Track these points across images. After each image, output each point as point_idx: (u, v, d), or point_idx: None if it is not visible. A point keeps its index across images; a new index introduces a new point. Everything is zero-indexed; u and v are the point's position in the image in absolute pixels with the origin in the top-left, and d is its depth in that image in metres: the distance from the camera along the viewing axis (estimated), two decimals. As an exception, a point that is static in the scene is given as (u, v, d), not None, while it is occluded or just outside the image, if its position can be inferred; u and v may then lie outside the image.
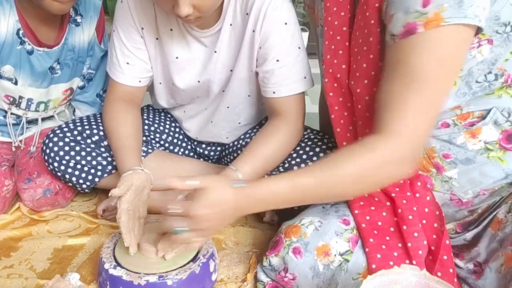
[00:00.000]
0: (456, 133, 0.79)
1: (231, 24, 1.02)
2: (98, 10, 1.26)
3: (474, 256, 0.79)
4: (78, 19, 1.22)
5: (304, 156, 1.04)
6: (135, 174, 0.96)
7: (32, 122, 1.32)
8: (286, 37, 0.99)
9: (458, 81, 0.77)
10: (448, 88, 0.73)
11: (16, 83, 1.17)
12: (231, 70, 1.07)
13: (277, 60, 0.99)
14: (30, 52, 1.16)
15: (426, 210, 0.82)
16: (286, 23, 0.98)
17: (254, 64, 1.03)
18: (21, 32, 1.13)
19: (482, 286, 0.75)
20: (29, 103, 1.23)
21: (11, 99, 1.21)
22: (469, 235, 0.83)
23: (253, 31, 0.99)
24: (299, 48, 1.01)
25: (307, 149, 1.05)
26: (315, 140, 1.08)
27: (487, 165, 0.79)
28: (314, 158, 1.03)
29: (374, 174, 0.73)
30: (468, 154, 0.79)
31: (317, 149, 1.04)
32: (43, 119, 1.32)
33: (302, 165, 1.04)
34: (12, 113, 1.24)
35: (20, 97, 1.21)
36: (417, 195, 0.82)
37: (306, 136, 1.10)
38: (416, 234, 0.79)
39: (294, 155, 1.05)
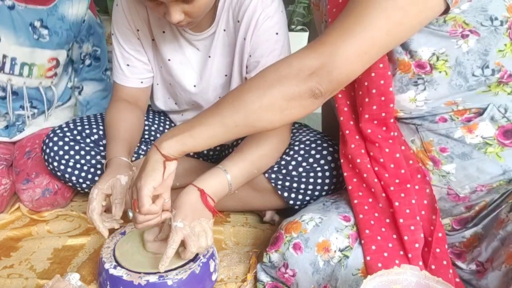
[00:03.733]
0: (453, 128, 0.80)
1: (224, 30, 1.02)
2: None
3: (476, 255, 0.79)
4: None
5: (311, 160, 1.04)
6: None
7: (25, 122, 1.31)
8: (276, 47, 0.99)
9: (448, 71, 0.77)
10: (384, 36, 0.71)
11: None
12: (225, 75, 1.07)
13: None
14: (11, 7, 1.18)
15: (425, 202, 0.82)
16: (277, 33, 0.98)
17: (244, 70, 1.03)
18: None
19: (485, 285, 0.75)
20: (13, 63, 1.23)
21: None
22: (467, 233, 0.83)
23: (244, 38, 0.99)
24: None
25: (313, 152, 1.04)
26: (319, 142, 1.07)
27: (485, 161, 0.79)
28: (322, 161, 1.03)
29: None
30: (465, 148, 0.80)
31: (324, 152, 1.04)
32: (38, 121, 1.33)
33: (309, 168, 1.03)
34: None
35: (4, 56, 1.21)
36: (416, 187, 0.83)
37: (311, 138, 1.09)
38: (412, 228, 0.79)
39: (300, 158, 1.04)
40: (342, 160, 0.90)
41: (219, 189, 0.90)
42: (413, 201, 0.81)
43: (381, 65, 0.79)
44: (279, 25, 0.98)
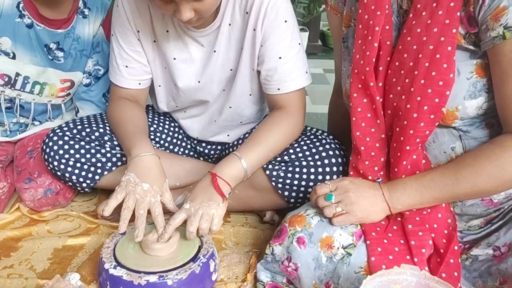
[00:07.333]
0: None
1: (230, 24, 1.02)
2: (106, 8, 1.28)
3: (493, 241, 0.80)
4: (86, 11, 1.25)
5: (310, 158, 1.04)
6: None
7: (27, 126, 1.31)
8: (287, 35, 1.01)
9: None
10: None
11: (14, 57, 1.17)
12: (231, 69, 1.08)
13: (280, 57, 1.01)
14: (29, 26, 1.17)
15: (440, 215, 0.82)
16: (286, 21, 1.00)
17: (256, 62, 1.04)
18: (21, 5, 1.14)
19: (505, 269, 0.76)
20: (25, 81, 1.22)
21: (6, 79, 1.19)
22: (493, 227, 0.84)
23: (254, 29, 1.00)
24: (299, 44, 1.03)
25: (314, 150, 1.05)
26: (319, 142, 1.07)
27: None
28: (325, 161, 1.03)
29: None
30: None
31: (325, 152, 1.04)
32: (41, 122, 1.32)
33: (309, 166, 1.04)
34: (6, 96, 1.23)
35: (17, 74, 1.20)
36: None
37: (311, 137, 1.09)
38: (421, 233, 0.79)
39: (301, 157, 1.05)
40: (351, 172, 0.90)
41: (234, 175, 0.95)
42: (424, 212, 0.81)
43: (440, 83, 0.76)
44: (287, 13, 1.01)
